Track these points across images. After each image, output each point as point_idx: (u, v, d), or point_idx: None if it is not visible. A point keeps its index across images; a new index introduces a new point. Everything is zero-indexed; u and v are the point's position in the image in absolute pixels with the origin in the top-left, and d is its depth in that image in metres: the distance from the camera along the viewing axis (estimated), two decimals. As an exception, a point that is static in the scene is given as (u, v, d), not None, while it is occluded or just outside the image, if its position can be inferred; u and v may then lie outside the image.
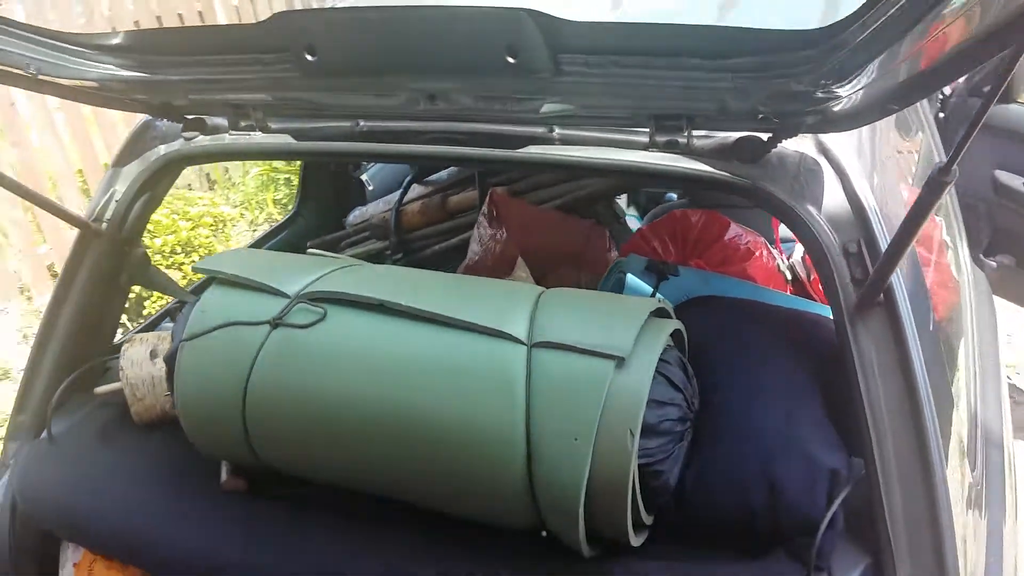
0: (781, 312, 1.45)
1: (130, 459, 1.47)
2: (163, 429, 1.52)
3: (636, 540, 1.21)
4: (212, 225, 4.41)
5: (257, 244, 2.49)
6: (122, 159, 1.65)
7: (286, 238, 2.53)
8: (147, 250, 1.70)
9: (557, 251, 1.89)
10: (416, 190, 2.39)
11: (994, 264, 3.09)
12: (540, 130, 1.43)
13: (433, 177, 2.41)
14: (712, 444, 1.25)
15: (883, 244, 1.25)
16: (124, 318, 4.04)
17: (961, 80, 3.26)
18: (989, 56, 0.87)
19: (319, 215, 2.62)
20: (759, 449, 1.22)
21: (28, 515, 1.43)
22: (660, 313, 1.32)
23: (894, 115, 1.86)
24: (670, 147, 1.34)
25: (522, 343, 1.19)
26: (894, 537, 1.16)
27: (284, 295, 1.32)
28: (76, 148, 4.76)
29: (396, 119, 1.49)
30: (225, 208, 4.66)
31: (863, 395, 1.19)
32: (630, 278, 1.58)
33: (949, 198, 2.14)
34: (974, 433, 1.60)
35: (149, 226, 4.30)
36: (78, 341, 1.61)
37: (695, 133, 1.36)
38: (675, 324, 1.29)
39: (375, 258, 2.34)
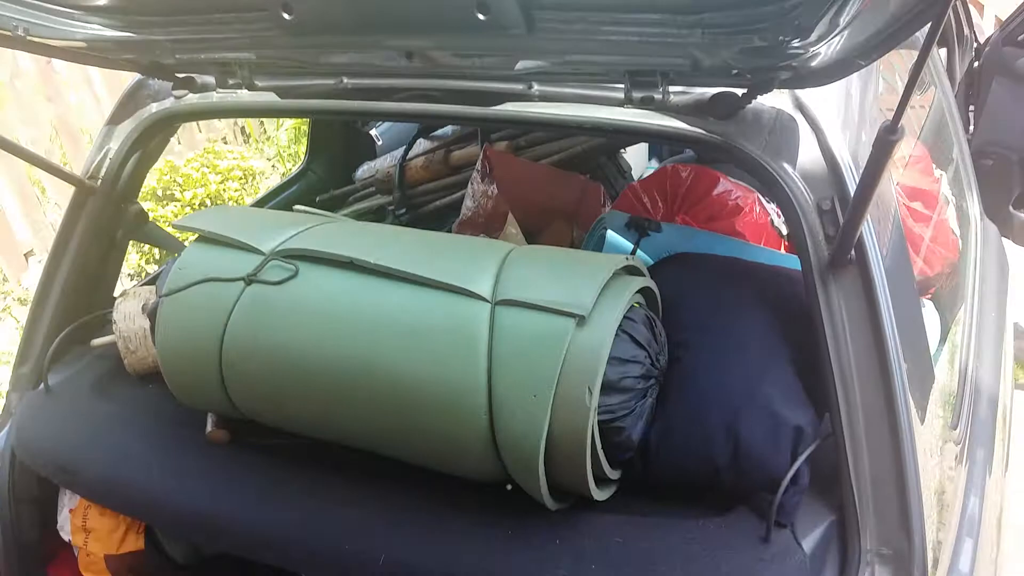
0: (759, 269, 1.43)
1: (122, 409, 1.53)
2: (155, 380, 1.56)
3: (600, 494, 1.23)
4: (241, 179, 4.47)
5: (267, 198, 2.52)
6: (116, 117, 1.68)
7: (296, 192, 2.56)
8: (142, 207, 1.74)
9: (550, 207, 1.88)
10: (422, 145, 2.39)
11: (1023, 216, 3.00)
12: (519, 87, 1.42)
13: (439, 132, 2.41)
14: (678, 401, 1.26)
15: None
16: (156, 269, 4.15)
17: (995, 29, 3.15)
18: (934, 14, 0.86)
19: (329, 170, 2.64)
20: (724, 406, 1.22)
21: (25, 463, 1.50)
22: (633, 271, 1.31)
23: (907, 69, 1.82)
24: (646, 103, 1.33)
25: (486, 300, 1.20)
26: (859, 494, 1.16)
27: (259, 252, 1.34)
28: (112, 104, 4.83)
29: (377, 76, 1.50)
30: (255, 162, 4.71)
31: (831, 352, 1.18)
32: (610, 234, 1.57)
33: (959, 152, 2.08)
34: (962, 387, 1.58)
35: (178, 179, 4.40)
36: (76, 295, 1.67)
37: (672, 89, 1.34)
38: (644, 281, 1.29)
39: (379, 213, 2.36)
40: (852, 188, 1.23)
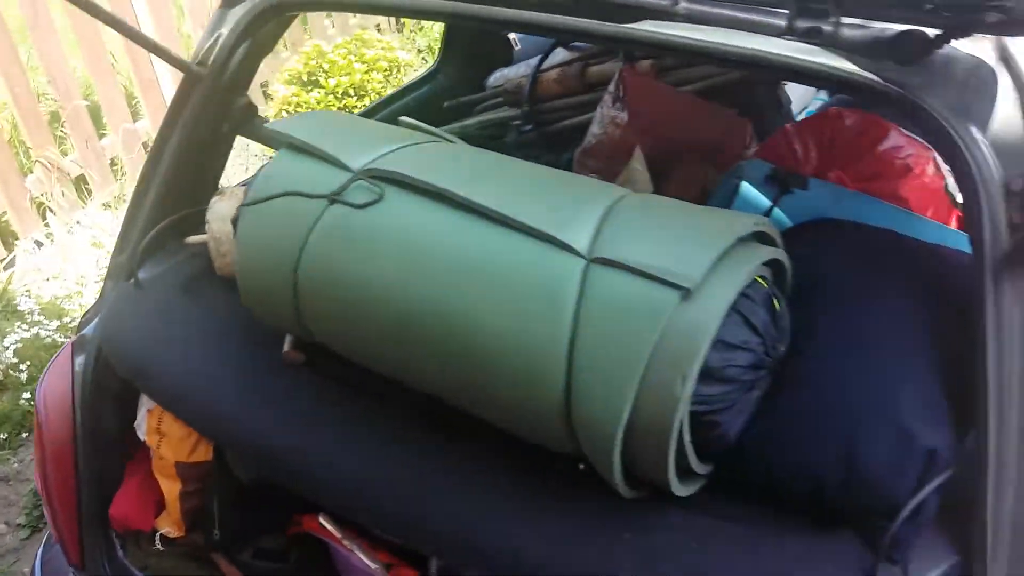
0: (919, 248, 1.19)
1: (205, 315, 1.47)
2: (242, 287, 1.51)
3: (683, 490, 1.07)
4: (387, 70, 4.38)
5: (392, 99, 2.40)
6: (229, 0, 1.58)
7: (423, 95, 2.42)
8: (251, 100, 1.65)
9: (688, 144, 1.66)
10: (560, 55, 2.19)
11: None
12: (665, 1, 1.22)
13: (583, 43, 2.20)
14: (790, 400, 1.07)
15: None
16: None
17: None
18: None
19: (460, 73, 2.48)
20: (844, 414, 1.03)
21: (107, 357, 1.48)
22: (763, 237, 1.12)
23: None
24: (812, 36, 1.11)
25: (580, 256, 1.04)
26: (993, 536, 0.96)
27: (348, 169, 1.22)
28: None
29: None
30: (402, 53, 4.60)
31: (990, 365, 0.97)
32: (744, 187, 1.35)
33: None
34: None
35: (324, 65, 4.35)
36: (178, 188, 1.60)
37: (846, 21, 1.11)
38: (772, 252, 1.09)
39: (503, 127, 2.20)
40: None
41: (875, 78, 1.07)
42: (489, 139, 2.16)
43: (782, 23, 1.13)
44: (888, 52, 1.07)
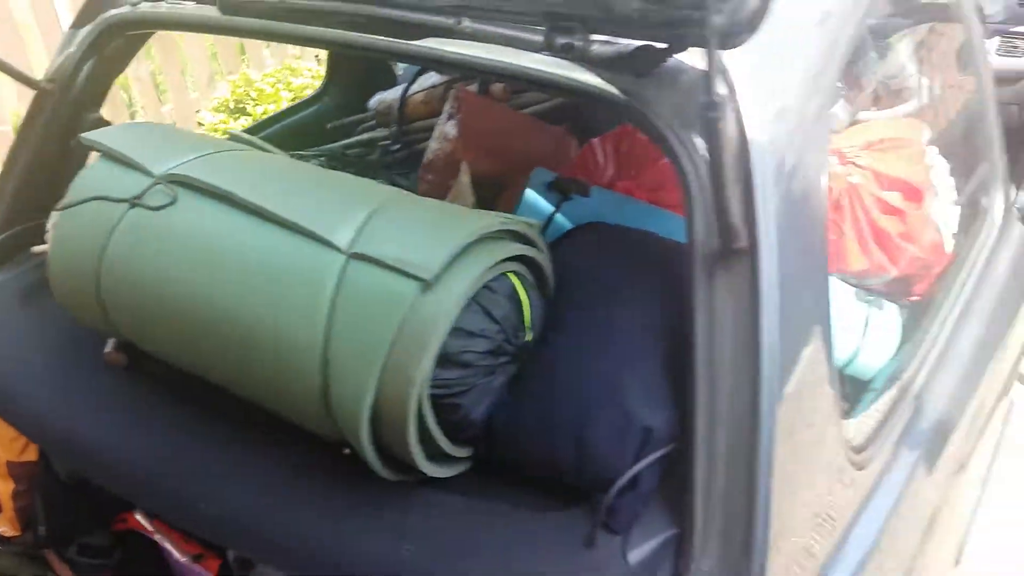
0: (670, 248, 1.29)
1: (38, 321, 1.53)
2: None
3: (436, 471, 1.15)
4: (313, 98, 4.49)
5: (274, 120, 2.49)
6: (79, 20, 1.66)
7: (307, 117, 2.51)
8: (102, 116, 1.72)
9: (519, 159, 1.75)
10: (432, 79, 2.29)
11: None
12: (449, 21, 1.32)
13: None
14: (530, 386, 1.15)
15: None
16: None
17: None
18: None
19: (344, 96, 2.57)
20: (575, 398, 1.11)
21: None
22: (522, 237, 1.21)
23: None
24: (566, 51, 1.21)
25: (340, 251, 1.12)
26: (704, 509, 1.05)
27: (151, 174, 1.31)
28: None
29: None
30: (332, 82, 4.71)
31: (699, 351, 1.06)
32: (527, 194, 1.44)
33: (995, 143, 1.80)
34: (902, 394, 1.42)
35: (252, 93, 4.45)
36: (28, 200, 1.67)
37: (597, 38, 1.21)
38: (520, 249, 1.18)
39: (369, 146, 2.29)
40: (761, 171, 1.08)
41: (613, 90, 1.17)
42: (357, 159, 2.25)
43: (541, 40, 1.23)
44: (628, 66, 1.18)
